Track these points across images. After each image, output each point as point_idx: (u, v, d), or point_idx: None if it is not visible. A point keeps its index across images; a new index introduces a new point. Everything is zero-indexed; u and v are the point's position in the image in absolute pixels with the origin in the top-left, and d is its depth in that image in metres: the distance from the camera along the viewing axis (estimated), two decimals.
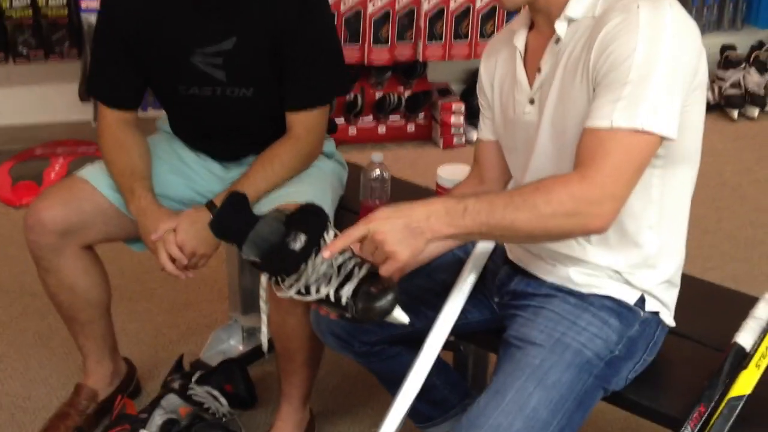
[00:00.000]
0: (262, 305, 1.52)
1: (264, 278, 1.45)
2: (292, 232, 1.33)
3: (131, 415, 1.96)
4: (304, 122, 1.88)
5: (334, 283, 1.35)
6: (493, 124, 1.61)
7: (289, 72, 1.85)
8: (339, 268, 1.36)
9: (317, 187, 1.90)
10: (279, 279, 1.38)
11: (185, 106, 1.95)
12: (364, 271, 1.36)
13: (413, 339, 1.58)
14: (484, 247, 1.63)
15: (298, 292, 1.37)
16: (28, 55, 3.43)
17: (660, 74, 1.26)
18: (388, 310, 1.37)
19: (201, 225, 1.78)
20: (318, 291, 1.36)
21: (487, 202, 1.28)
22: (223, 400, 2.05)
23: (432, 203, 1.31)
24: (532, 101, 1.47)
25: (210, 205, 1.81)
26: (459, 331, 1.61)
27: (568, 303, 1.46)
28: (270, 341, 1.92)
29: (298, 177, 1.90)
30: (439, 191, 1.97)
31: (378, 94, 3.88)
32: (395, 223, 1.28)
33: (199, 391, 2.03)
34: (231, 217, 1.42)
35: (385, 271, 1.30)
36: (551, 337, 1.41)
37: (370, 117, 3.92)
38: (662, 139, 1.28)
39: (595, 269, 1.46)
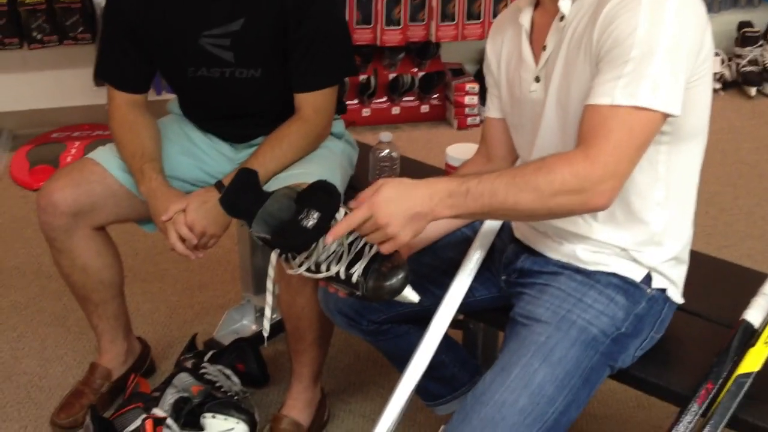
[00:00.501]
0: (269, 285, 1.50)
1: (274, 257, 1.44)
2: (304, 209, 1.33)
3: (144, 393, 1.99)
4: (312, 103, 1.88)
5: (345, 260, 1.36)
6: (500, 102, 1.61)
7: (297, 53, 1.85)
8: (350, 245, 1.36)
9: (326, 167, 1.90)
10: (290, 256, 1.38)
11: (194, 88, 1.96)
12: (374, 249, 1.36)
13: (421, 317, 1.59)
14: (491, 225, 1.64)
15: (308, 270, 1.38)
16: (42, 40, 3.45)
17: (662, 51, 1.25)
18: (399, 289, 1.38)
19: (210, 205, 1.79)
20: (328, 269, 1.37)
21: (489, 182, 1.28)
22: (235, 378, 2.07)
23: (435, 183, 1.30)
24: (537, 79, 1.46)
25: (219, 185, 1.79)
26: (466, 309, 1.62)
27: (574, 280, 1.46)
28: (281, 322, 1.94)
29: (307, 157, 1.90)
30: (448, 170, 1.97)
31: (391, 76, 3.88)
32: (398, 207, 1.28)
33: (211, 370, 2.04)
34: (240, 193, 1.42)
35: (386, 249, 1.31)
36: (557, 315, 1.41)
37: (384, 98, 3.93)
38: (665, 116, 1.28)
39: (601, 246, 1.46)
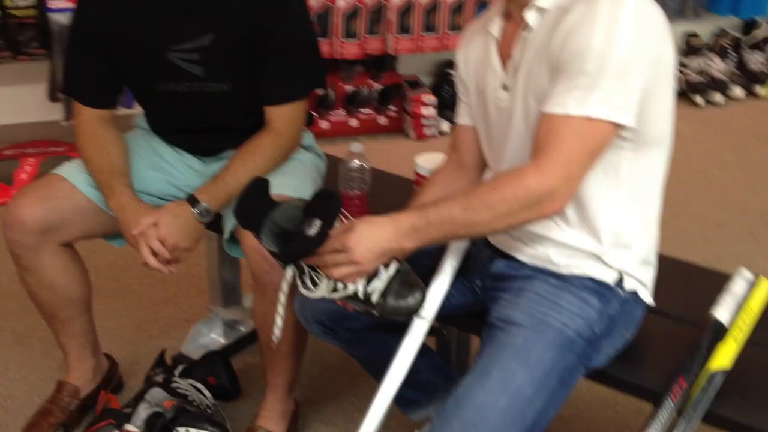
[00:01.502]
0: (282, 298, 1.51)
1: (289, 272, 1.45)
2: (307, 218, 1.37)
3: (115, 409, 1.96)
4: (283, 116, 1.89)
5: (362, 279, 1.39)
6: (470, 110, 1.64)
7: (268, 66, 1.86)
8: None
9: (298, 178, 1.92)
10: (306, 279, 1.41)
11: (163, 102, 1.96)
12: (392, 268, 1.40)
13: (397, 324, 1.60)
14: None
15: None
16: None
17: (615, 64, 1.30)
18: (416, 309, 1.42)
19: (183, 219, 1.79)
20: (346, 287, 1.39)
21: (447, 210, 1.37)
22: (207, 392, 2.06)
23: (400, 220, 1.39)
24: (505, 87, 1.50)
25: (191, 198, 1.82)
26: (442, 314, 1.62)
27: (548, 284, 1.49)
28: (253, 333, 1.94)
29: (279, 169, 1.91)
30: (418, 179, 2.00)
31: (349, 88, 3.90)
32: (371, 244, 1.37)
33: (182, 384, 2.03)
34: (255, 201, 1.43)
35: (348, 278, 1.39)
36: (533, 318, 1.44)
37: (342, 110, 3.94)
38: (617, 126, 1.33)
39: (573, 250, 1.49)
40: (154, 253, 1.78)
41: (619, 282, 1.50)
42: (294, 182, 1.87)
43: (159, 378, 2.05)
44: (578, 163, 1.33)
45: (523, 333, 1.42)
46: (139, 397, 1.96)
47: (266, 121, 1.90)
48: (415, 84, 4.05)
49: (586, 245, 1.48)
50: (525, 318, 1.44)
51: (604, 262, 1.49)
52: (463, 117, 1.68)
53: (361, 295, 1.39)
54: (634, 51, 1.31)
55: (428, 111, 3.93)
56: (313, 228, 1.34)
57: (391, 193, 1.97)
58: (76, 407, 2.06)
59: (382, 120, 4.01)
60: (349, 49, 3.76)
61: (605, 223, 1.47)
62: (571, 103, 1.32)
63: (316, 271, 1.40)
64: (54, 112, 3.47)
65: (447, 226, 1.37)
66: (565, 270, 1.50)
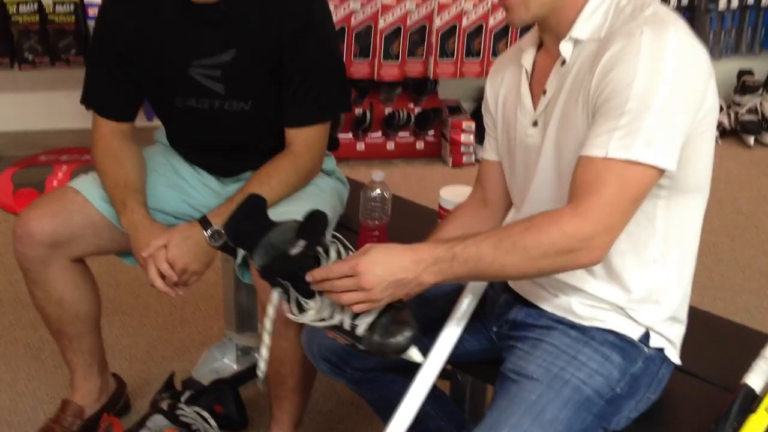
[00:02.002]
0: (268, 325, 1.40)
1: (276, 296, 1.36)
2: (295, 238, 1.30)
3: None
4: (304, 139, 1.83)
5: (349, 311, 1.30)
6: (497, 144, 1.56)
7: (290, 87, 1.80)
8: None
9: (316, 205, 1.79)
10: (300, 302, 1.32)
11: (182, 119, 1.90)
12: (384, 302, 1.30)
13: (408, 367, 1.50)
14: None
15: (313, 319, 1.32)
16: (33, 61, 3.40)
17: (659, 105, 1.21)
18: (404, 348, 1.32)
19: (193, 241, 1.73)
20: (332, 316, 1.30)
21: (475, 246, 1.26)
22: (212, 421, 1.99)
23: (420, 250, 1.29)
24: (535, 123, 1.41)
25: (203, 220, 1.76)
26: (455, 360, 1.54)
27: (568, 336, 1.40)
28: None
29: (296, 195, 1.84)
30: (441, 212, 1.91)
31: (387, 110, 3.84)
32: (384, 271, 1.26)
33: (187, 412, 1.97)
34: (247, 219, 1.36)
35: (359, 309, 1.29)
36: (549, 372, 1.35)
37: (379, 133, 3.88)
38: (660, 171, 1.24)
39: (597, 301, 1.40)
40: (163, 275, 1.72)
41: (645, 338, 1.41)
42: (310, 208, 1.79)
43: (164, 403, 1.99)
44: (620, 210, 1.23)
45: (537, 388, 1.33)
46: (141, 423, 1.90)
47: (286, 144, 1.84)
48: (455, 109, 3.96)
49: (613, 297, 1.39)
50: (541, 372, 1.36)
51: (630, 317, 1.40)
52: (489, 152, 1.60)
53: (347, 326, 1.30)
54: (677, 90, 1.23)
55: (467, 138, 3.84)
56: (297, 248, 1.28)
57: (414, 224, 1.90)
58: (79, 428, 2.00)
59: (420, 145, 3.93)
60: (389, 71, 3.69)
61: (635, 277, 1.38)
62: (613, 145, 1.22)
63: (307, 297, 1.31)
64: (90, 120, 3.44)
65: (473, 264, 1.26)
66: (587, 322, 1.41)
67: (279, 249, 1.33)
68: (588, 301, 1.40)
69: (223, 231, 1.71)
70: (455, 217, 1.65)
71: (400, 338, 1.30)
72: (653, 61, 1.22)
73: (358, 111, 3.77)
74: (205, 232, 1.73)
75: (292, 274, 1.30)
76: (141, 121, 2.02)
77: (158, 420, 1.88)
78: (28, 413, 2.15)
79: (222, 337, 2.35)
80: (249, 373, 2.22)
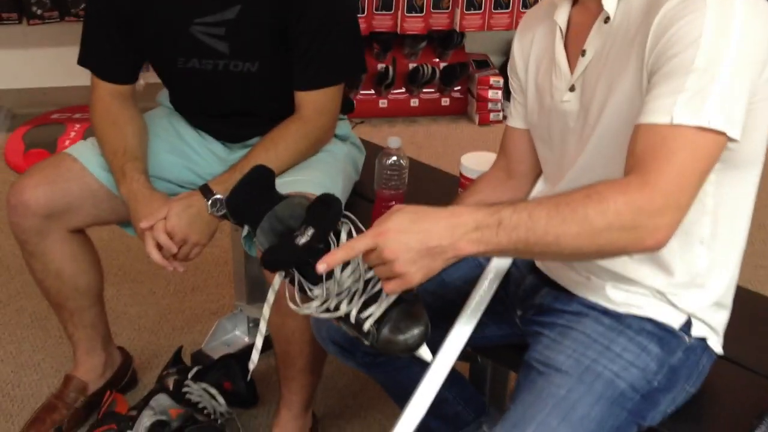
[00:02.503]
0: (266, 311, 1.25)
1: (277, 280, 1.22)
2: (303, 224, 1.15)
3: (119, 414, 1.82)
4: (314, 103, 1.69)
5: (358, 301, 1.16)
6: (525, 111, 1.41)
7: (299, 46, 1.65)
8: (366, 283, 1.16)
9: (327, 173, 1.71)
10: (305, 288, 1.18)
11: (185, 81, 1.78)
12: (394, 294, 1.16)
13: None
14: None
15: (318, 309, 1.18)
16: (42, 15, 3.28)
17: (729, 63, 1.05)
18: (413, 347, 1.18)
19: (195, 210, 1.62)
20: (338, 308, 1.17)
21: (527, 212, 1.06)
22: (220, 398, 1.89)
23: (459, 214, 1.08)
24: (572, 88, 1.27)
25: (204, 188, 1.64)
26: (474, 344, 1.43)
27: (601, 324, 1.27)
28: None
29: (306, 162, 1.72)
30: (463, 182, 1.77)
31: (411, 65, 3.69)
32: (410, 240, 1.06)
33: (194, 389, 1.87)
34: (251, 192, 1.22)
35: (390, 289, 1.11)
36: (580, 364, 1.22)
37: (402, 89, 3.72)
38: (727, 140, 1.07)
39: (635, 285, 1.27)
40: (161, 247, 1.61)
41: (687, 327, 1.27)
42: (322, 177, 1.67)
43: (170, 380, 1.89)
44: (691, 183, 1.06)
45: (566, 382, 1.21)
46: (145, 402, 1.80)
47: (295, 108, 1.71)
48: (482, 64, 3.80)
49: (653, 281, 1.26)
50: (570, 363, 1.23)
51: (671, 303, 1.27)
52: (515, 119, 1.46)
53: (352, 319, 1.17)
54: (746, 48, 1.07)
55: (495, 94, 3.68)
56: (304, 237, 1.13)
57: (434, 193, 1.76)
58: (82, 404, 1.92)
59: (445, 101, 3.77)
60: (413, 24, 3.52)
61: (678, 259, 1.24)
62: (679, 110, 1.05)
63: (312, 282, 1.17)
64: None
65: (523, 233, 1.05)
66: (622, 308, 1.28)
67: (286, 225, 1.19)
68: (624, 285, 1.27)
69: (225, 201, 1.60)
70: (476, 189, 1.51)
71: (409, 336, 1.17)
72: (721, 13, 1.06)
73: (380, 66, 3.62)
74: (206, 201, 1.62)
75: (299, 264, 1.16)
76: (153, 77, 1.90)
77: (162, 399, 1.78)
78: (32, 387, 2.06)
79: (233, 308, 2.25)
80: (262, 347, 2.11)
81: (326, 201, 1.18)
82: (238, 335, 2.20)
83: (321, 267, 1.09)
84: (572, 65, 1.27)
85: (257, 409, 2.00)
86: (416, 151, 3.30)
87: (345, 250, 1.10)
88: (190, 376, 1.91)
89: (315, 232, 1.14)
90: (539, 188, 1.44)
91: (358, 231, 1.18)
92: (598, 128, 1.22)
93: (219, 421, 1.85)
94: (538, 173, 1.45)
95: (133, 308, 2.35)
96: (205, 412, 1.85)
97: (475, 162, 1.75)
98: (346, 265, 1.15)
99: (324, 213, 1.16)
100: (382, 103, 3.70)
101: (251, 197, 1.23)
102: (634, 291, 1.27)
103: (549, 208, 1.06)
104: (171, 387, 1.85)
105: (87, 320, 1.88)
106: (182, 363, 2.00)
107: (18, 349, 2.19)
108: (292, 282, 1.20)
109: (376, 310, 1.16)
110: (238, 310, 2.20)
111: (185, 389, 1.86)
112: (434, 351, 1.32)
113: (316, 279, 1.17)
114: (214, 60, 1.69)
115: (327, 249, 1.14)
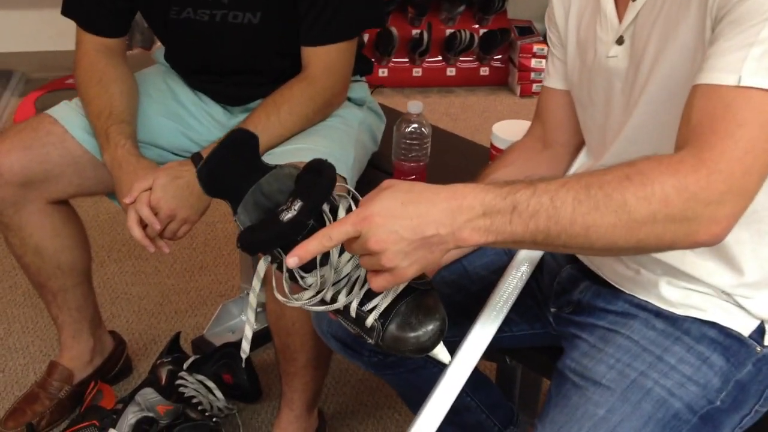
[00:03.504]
0: (252, 299, 1.04)
1: (262, 266, 1.01)
2: (290, 197, 0.93)
3: (103, 408, 1.64)
4: (322, 60, 1.48)
5: (359, 291, 0.95)
6: (566, 68, 1.20)
7: None
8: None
9: (338, 141, 1.50)
10: (295, 276, 0.97)
11: (179, 35, 1.58)
12: (402, 284, 0.95)
13: None
14: None
15: (310, 301, 0.97)
16: None
17: None
18: (427, 346, 0.97)
19: (183, 181, 1.42)
20: (335, 299, 0.96)
21: (548, 196, 0.85)
22: (218, 392, 1.70)
23: (463, 195, 0.86)
24: (620, 41, 1.06)
25: (196, 157, 1.42)
26: (501, 345, 1.22)
27: (652, 328, 1.06)
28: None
29: (313, 128, 1.52)
30: (493, 154, 1.55)
31: (448, 31, 3.47)
32: (401, 228, 0.85)
33: (189, 382, 1.68)
34: (230, 161, 1.00)
35: (377, 285, 0.89)
36: (624, 377, 1.02)
37: (438, 57, 3.50)
38: None
39: (695, 283, 1.06)
40: (144, 224, 1.41)
41: (759, 334, 1.07)
42: (331, 145, 1.46)
43: (164, 370, 1.70)
44: (758, 164, 0.85)
45: (607, 399, 1.01)
46: (131, 397, 1.62)
47: (302, 66, 1.50)
48: (525, 30, 3.56)
49: (718, 279, 1.05)
50: (612, 376, 1.03)
51: (739, 306, 1.06)
52: (553, 78, 1.24)
53: (352, 312, 0.95)
54: None
55: (538, 63, 3.44)
56: (290, 211, 0.91)
57: (460, 166, 1.55)
58: (67, 394, 1.74)
59: (484, 71, 3.54)
60: None
61: (750, 254, 1.03)
62: (749, 67, 0.85)
63: (302, 271, 0.96)
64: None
65: (542, 222, 0.85)
66: (679, 310, 1.07)
67: (274, 201, 0.98)
68: (682, 282, 1.06)
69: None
70: (506, 160, 1.29)
71: (423, 333, 0.95)
72: None
73: (414, 32, 3.40)
74: (197, 171, 1.41)
75: (283, 244, 0.95)
76: None
77: (148, 394, 1.59)
78: (17, 372, 1.90)
79: (240, 291, 2.06)
80: (263, 335, 1.91)
81: (316, 167, 0.95)
82: (245, 321, 2.00)
83: (291, 261, 0.88)
84: (621, 13, 1.07)
85: (260, 405, 1.81)
86: (451, 123, 3.08)
87: (319, 239, 0.88)
88: (185, 366, 1.71)
89: (303, 205, 0.92)
90: (581, 161, 1.22)
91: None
92: (650, 89, 1.01)
93: (215, 419, 1.65)
94: (579, 143, 1.24)
95: (134, 288, 2.17)
96: (200, 408, 1.66)
97: (510, 131, 1.52)
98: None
99: (313, 181, 0.94)
100: (416, 71, 3.48)
101: (231, 168, 1.01)
102: (695, 289, 1.06)
103: (577, 190, 0.84)
104: (163, 379, 1.66)
105: (72, 302, 1.70)
106: (180, 351, 1.81)
107: (7, 330, 2.03)
108: (280, 268, 0.99)
109: (381, 302, 0.95)
110: (244, 293, 2.01)
111: (179, 381, 1.67)
112: (452, 352, 1.10)
113: (308, 265, 0.95)
114: (210, 10, 1.49)
115: (320, 226, 0.93)
